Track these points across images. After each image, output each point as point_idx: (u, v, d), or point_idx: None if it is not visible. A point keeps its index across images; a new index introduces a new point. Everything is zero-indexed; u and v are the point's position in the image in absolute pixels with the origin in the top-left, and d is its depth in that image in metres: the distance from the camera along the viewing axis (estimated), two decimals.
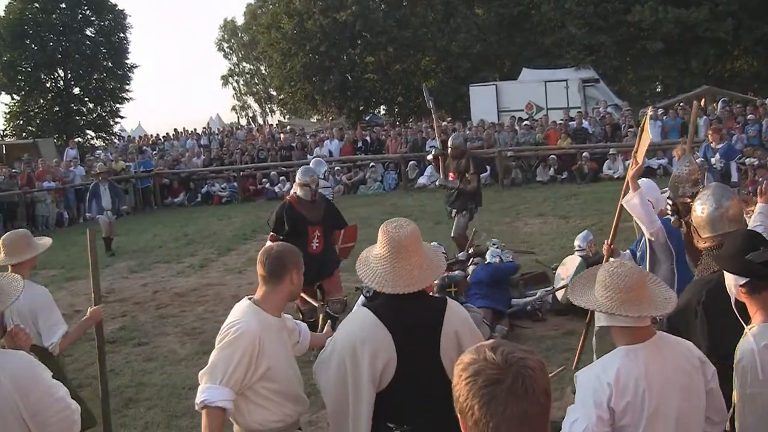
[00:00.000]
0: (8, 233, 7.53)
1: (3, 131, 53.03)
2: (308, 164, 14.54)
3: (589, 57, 43.86)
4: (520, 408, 2.38)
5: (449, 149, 15.97)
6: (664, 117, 30.24)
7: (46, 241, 7.62)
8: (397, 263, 4.77)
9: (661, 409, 4.23)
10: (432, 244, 13.77)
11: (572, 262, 12.93)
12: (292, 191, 12.07)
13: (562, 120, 32.20)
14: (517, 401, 2.38)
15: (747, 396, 4.38)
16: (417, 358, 4.74)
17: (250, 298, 5.16)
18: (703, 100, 34.03)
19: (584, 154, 28.33)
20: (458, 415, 2.52)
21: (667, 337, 4.47)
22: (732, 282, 4.70)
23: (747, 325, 4.57)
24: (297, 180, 11.80)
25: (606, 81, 41.68)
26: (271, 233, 11.54)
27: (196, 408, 4.93)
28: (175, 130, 46.04)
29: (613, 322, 4.34)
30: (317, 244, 11.54)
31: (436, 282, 8.96)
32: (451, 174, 15.83)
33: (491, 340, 2.60)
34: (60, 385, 4.72)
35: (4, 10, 52.10)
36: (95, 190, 21.81)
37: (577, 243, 13.11)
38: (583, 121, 31.60)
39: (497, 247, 13.86)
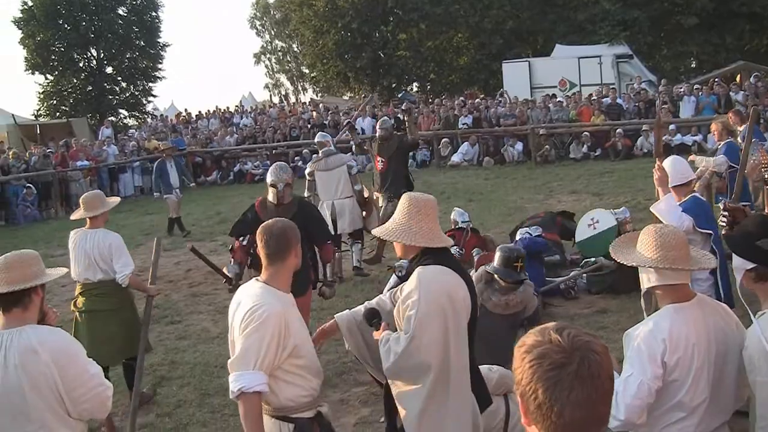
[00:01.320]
0: (85, 193, 9.72)
1: (37, 111, 53.42)
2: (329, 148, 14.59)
3: (623, 33, 43.30)
4: (585, 392, 2.35)
5: (378, 132, 15.62)
6: (699, 93, 29.90)
7: (115, 199, 9.84)
8: (429, 224, 5.18)
9: (705, 365, 4.39)
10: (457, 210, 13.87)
11: (604, 219, 13.02)
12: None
13: (595, 96, 31.98)
14: (583, 385, 2.35)
15: (756, 384, 4.41)
16: (476, 306, 5.23)
17: (257, 279, 5.18)
18: (739, 75, 33.71)
19: (618, 130, 28.10)
20: (518, 399, 2.47)
21: (706, 299, 4.67)
22: (739, 265, 4.77)
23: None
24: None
25: (640, 57, 41.22)
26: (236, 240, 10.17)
27: (232, 397, 4.91)
28: (208, 110, 46.18)
29: (662, 281, 4.49)
30: None
31: (498, 254, 8.87)
32: (378, 160, 15.40)
33: (555, 322, 2.56)
34: (94, 364, 4.88)
35: None
36: (162, 167, 20.68)
37: (614, 217, 13.20)
38: (617, 97, 31.30)
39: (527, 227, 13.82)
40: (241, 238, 10.02)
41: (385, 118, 17.95)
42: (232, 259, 10.05)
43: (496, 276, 8.68)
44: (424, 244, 5.14)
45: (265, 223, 5.29)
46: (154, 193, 21.72)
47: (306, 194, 14.50)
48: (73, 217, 9.62)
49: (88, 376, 4.76)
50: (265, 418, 5.03)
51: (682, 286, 4.51)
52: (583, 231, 13.52)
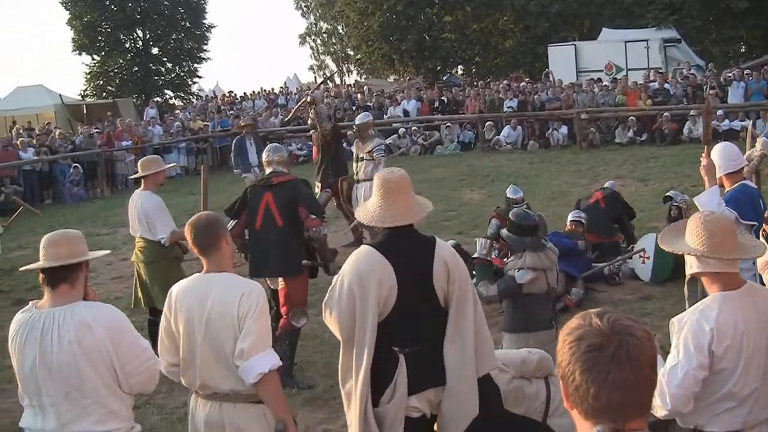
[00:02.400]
0: (144, 157, 10.87)
1: (84, 91, 53.86)
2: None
3: (671, 16, 42.73)
4: (623, 376, 2.35)
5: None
6: (749, 78, 29.52)
7: (169, 164, 10.87)
8: (389, 201, 5.53)
9: (755, 355, 4.35)
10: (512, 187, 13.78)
11: (648, 245, 12.37)
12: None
13: (642, 81, 31.71)
14: (620, 368, 2.35)
15: None
16: (414, 287, 5.45)
17: (205, 273, 5.32)
18: None
19: (665, 114, 27.83)
20: (560, 381, 2.49)
21: (757, 286, 4.59)
22: None
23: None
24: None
25: (688, 41, 40.78)
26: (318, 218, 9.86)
27: (257, 378, 5.02)
28: (253, 90, 46.33)
29: (706, 268, 4.45)
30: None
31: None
32: (314, 149, 15.62)
33: (599, 308, 2.55)
34: (143, 338, 5.06)
35: None
36: (241, 144, 19.59)
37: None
38: (665, 82, 30.98)
39: None
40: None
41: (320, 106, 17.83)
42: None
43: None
44: (380, 224, 5.58)
45: (190, 219, 5.47)
46: (234, 170, 20.93)
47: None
48: (132, 177, 11.11)
49: (139, 350, 4.89)
50: (245, 407, 5.24)
51: (730, 274, 4.44)
52: (642, 270, 12.54)
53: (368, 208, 5.70)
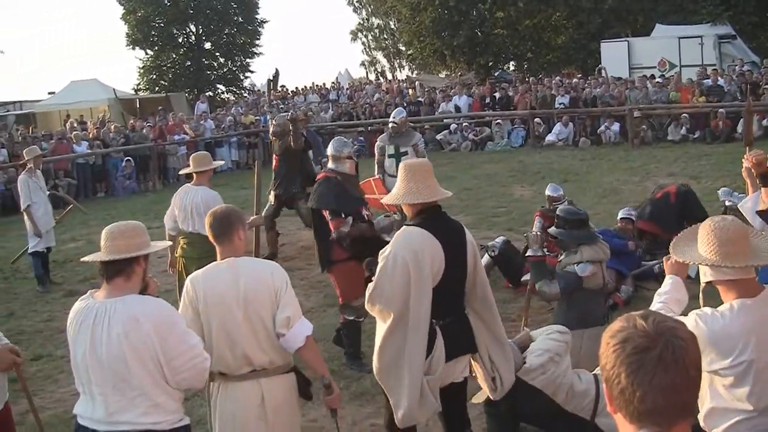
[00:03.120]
0: (195, 153, 11.09)
1: (137, 86, 54.40)
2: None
3: (726, 12, 42.05)
4: (669, 378, 2.34)
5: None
6: None
7: (219, 162, 11.49)
8: (419, 183, 6.04)
9: None
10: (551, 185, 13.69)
11: None
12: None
13: (696, 78, 31.38)
14: (666, 370, 2.34)
15: None
16: (454, 264, 6.03)
17: (224, 259, 5.72)
18: None
19: (719, 111, 27.49)
20: (604, 384, 2.47)
21: None
22: None
23: None
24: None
25: (743, 37, 40.23)
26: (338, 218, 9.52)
27: (304, 342, 5.53)
28: (305, 86, 46.49)
29: (719, 276, 4.33)
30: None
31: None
32: (275, 158, 15.14)
33: (643, 310, 2.55)
34: (194, 334, 5.09)
35: None
36: None
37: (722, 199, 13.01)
38: (719, 78, 30.61)
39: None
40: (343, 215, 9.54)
41: (281, 114, 17.82)
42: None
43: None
44: (420, 200, 6.04)
45: (212, 209, 5.95)
46: None
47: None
48: (181, 172, 11.15)
49: (187, 346, 4.91)
50: (280, 378, 5.68)
51: (745, 280, 4.32)
52: (691, 268, 12.57)
53: (397, 192, 6.17)
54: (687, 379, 2.37)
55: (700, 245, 4.37)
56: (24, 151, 15.89)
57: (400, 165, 6.44)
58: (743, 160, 7.45)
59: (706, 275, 4.45)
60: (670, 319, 2.47)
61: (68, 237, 18.78)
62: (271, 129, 15.24)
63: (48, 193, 15.52)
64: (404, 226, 6.22)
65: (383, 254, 6.06)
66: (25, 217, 14.72)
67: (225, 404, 5.53)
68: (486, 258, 12.53)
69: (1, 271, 15.91)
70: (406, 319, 5.91)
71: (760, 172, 7.18)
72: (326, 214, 9.50)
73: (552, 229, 8.64)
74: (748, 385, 4.23)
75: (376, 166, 15.56)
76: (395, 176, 14.51)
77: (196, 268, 9.80)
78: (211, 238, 5.78)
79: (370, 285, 6.12)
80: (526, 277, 12.06)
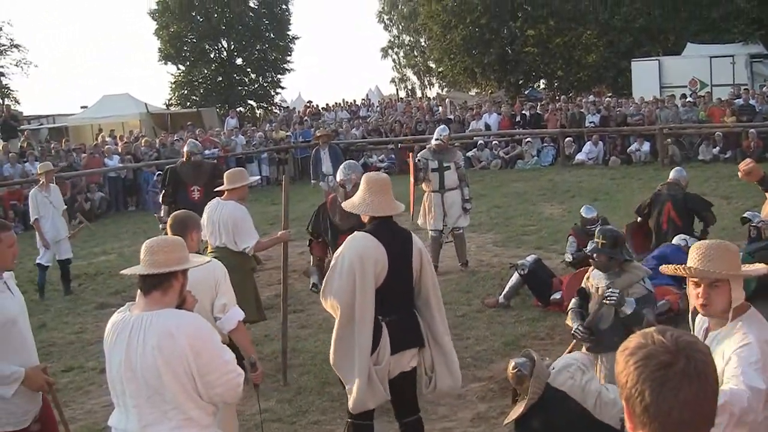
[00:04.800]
0: (229, 170, 10.94)
1: (169, 101, 54.73)
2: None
3: (758, 31, 41.96)
4: (693, 391, 2.35)
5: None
6: None
7: (254, 177, 11.70)
8: (376, 197, 6.82)
9: None
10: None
11: None
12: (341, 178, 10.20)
13: (727, 97, 31.23)
14: (691, 384, 2.35)
15: None
16: (398, 267, 6.75)
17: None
18: None
19: (751, 131, 27.37)
20: (624, 403, 2.48)
21: (757, 314, 4.38)
22: None
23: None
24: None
25: None
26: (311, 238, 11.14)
27: (236, 325, 6.86)
28: (335, 102, 46.63)
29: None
30: None
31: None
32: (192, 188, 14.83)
33: (655, 326, 2.55)
34: (228, 350, 5.11)
35: None
36: (317, 155, 20.77)
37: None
38: (749, 98, 30.45)
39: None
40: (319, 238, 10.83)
41: (193, 141, 17.70)
42: (312, 258, 11.18)
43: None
44: (371, 213, 6.82)
45: (173, 214, 6.98)
46: (312, 181, 21.98)
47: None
48: (217, 189, 10.71)
49: (221, 361, 4.94)
50: None
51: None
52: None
53: (355, 201, 6.98)
54: (710, 390, 2.39)
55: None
56: (38, 166, 16.25)
57: (363, 177, 7.22)
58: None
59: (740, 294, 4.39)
60: (687, 333, 2.50)
61: (100, 250, 18.95)
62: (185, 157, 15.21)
63: (65, 207, 15.95)
64: (355, 232, 7.02)
65: (335, 255, 6.91)
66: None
67: None
68: (515, 276, 12.54)
69: (32, 283, 16.04)
70: (353, 313, 6.65)
71: (756, 180, 7.19)
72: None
73: (592, 249, 8.45)
74: None
75: (411, 178, 15.45)
76: (437, 191, 14.66)
77: None
78: None
79: (324, 281, 6.89)
80: (556, 295, 12.10)
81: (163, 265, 4.98)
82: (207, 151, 29.94)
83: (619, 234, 8.42)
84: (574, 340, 7.99)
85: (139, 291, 5.03)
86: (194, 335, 4.85)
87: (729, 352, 4.29)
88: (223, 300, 6.71)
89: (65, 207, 16.05)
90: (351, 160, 11.21)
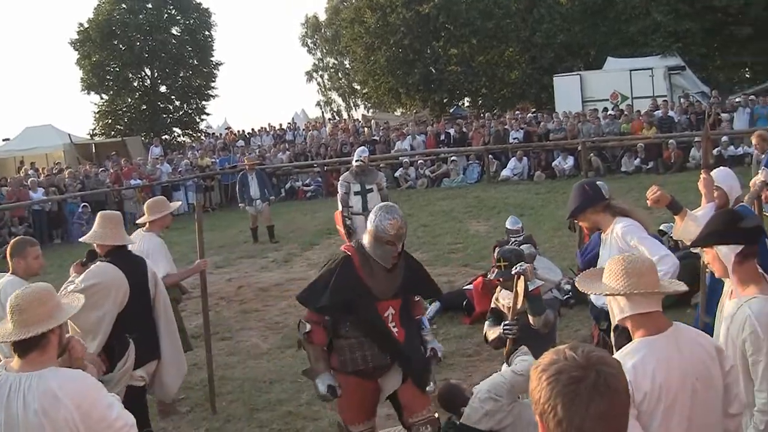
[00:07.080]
0: (149, 200, 10.67)
1: (92, 131, 54.32)
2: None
3: (676, 44, 42.92)
4: (604, 405, 2.39)
5: None
6: (755, 104, 29.53)
7: (175, 204, 10.74)
8: (104, 228, 7.93)
9: (678, 401, 4.08)
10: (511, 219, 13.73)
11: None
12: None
13: (647, 109, 31.73)
14: (602, 398, 2.39)
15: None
16: (137, 289, 7.85)
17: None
18: None
19: (670, 141, 27.93)
20: (537, 419, 2.50)
21: (684, 328, 4.31)
22: (727, 253, 4.83)
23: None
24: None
25: (693, 68, 40.82)
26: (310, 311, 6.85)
27: None
28: (261, 126, 46.56)
29: (634, 309, 4.20)
30: (396, 330, 6.72)
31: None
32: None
33: (568, 343, 2.60)
34: (116, 403, 4.80)
35: (93, 13, 53.48)
36: (243, 180, 22.08)
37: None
38: (668, 110, 30.98)
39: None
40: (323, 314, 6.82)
41: None
42: (308, 352, 6.92)
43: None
44: (103, 241, 7.83)
45: (15, 239, 8.35)
46: (239, 204, 22.74)
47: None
48: (138, 221, 10.78)
49: (111, 419, 4.64)
50: None
51: (655, 314, 4.23)
52: None
53: (91, 233, 7.90)
54: (620, 404, 2.44)
55: (611, 280, 4.27)
56: None
57: (99, 213, 8.24)
58: (701, 174, 7.59)
59: (622, 312, 4.28)
60: (597, 348, 2.53)
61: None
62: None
63: None
64: (98, 261, 7.81)
65: (81, 278, 7.61)
66: None
67: None
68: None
69: None
70: (105, 329, 7.57)
71: (665, 206, 7.24)
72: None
73: (496, 273, 8.34)
74: (654, 424, 4.07)
75: (339, 204, 15.58)
76: (361, 213, 14.66)
77: None
78: (8, 255, 7.69)
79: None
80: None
81: (35, 324, 4.58)
82: (132, 181, 29.83)
83: (519, 251, 8.45)
84: (507, 340, 7.74)
85: (14, 353, 4.68)
86: (79, 395, 4.56)
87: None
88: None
89: None
90: (388, 203, 7.22)
